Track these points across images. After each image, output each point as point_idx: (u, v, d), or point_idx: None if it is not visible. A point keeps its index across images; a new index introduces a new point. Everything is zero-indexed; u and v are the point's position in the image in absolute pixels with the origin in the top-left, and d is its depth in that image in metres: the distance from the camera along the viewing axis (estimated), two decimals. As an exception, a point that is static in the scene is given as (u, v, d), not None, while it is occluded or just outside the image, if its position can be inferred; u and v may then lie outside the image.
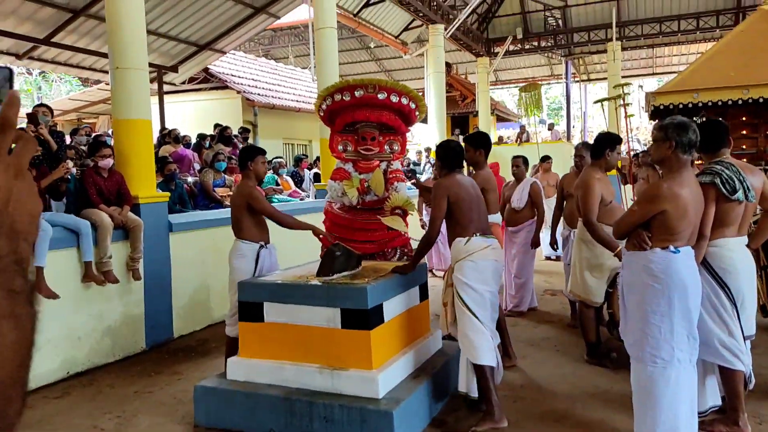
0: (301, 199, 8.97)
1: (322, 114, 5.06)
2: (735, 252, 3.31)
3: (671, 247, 2.95)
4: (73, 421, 3.96)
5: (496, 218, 4.84)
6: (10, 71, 0.95)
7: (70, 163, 5.66)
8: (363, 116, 4.81)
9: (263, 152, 4.48)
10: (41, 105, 5.44)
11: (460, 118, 20.63)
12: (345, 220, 4.89)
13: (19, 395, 0.56)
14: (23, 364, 0.57)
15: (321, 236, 4.47)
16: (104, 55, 10.47)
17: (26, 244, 0.61)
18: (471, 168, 4.88)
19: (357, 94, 4.72)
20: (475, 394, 3.64)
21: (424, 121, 16.15)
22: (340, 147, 4.93)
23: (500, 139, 20.66)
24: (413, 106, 4.91)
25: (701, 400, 3.32)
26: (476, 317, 3.56)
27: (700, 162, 6.74)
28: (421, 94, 18.07)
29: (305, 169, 10.47)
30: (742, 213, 3.33)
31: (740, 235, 3.36)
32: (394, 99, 4.77)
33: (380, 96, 4.73)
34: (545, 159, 9.73)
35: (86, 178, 5.27)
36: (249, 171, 4.35)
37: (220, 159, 7.82)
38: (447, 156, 3.90)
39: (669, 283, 2.93)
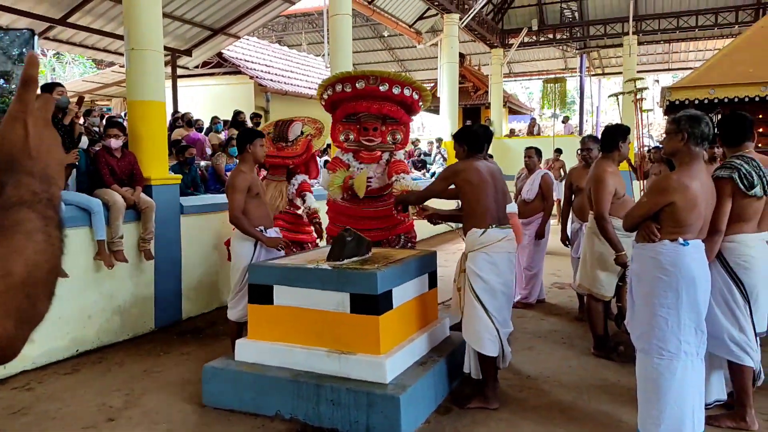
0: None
1: (323, 103, 5.03)
2: (753, 248, 3.27)
3: (680, 240, 2.93)
4: (82, 398, 4.01)
5: (512, 207, 4.77)
6: (32, 33, 0.97)
7: (84, 140, 5.70)
8: (364, 108, 4.78)
9: (262, 135, 4.44)
10: (56, 84, 5.46)
11: (472, 110, 20.50)
12: (348, 209, 4.88)
13: (47, 296, 0.68)
14: (52, 270, 0.68)
15: (279, 247, 4.40)
16: (119, 37, 10.49)
17: (56, 188, 0.72)
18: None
19: (358, 85, 4.68)
20: (478, 376, 3.74)
21: (436, 111, 16.09)
22: (341, 137, 4.90)
23: (512, 132, 20.54)
24: (416, 96, 4.87)
25: (706, 393, 3.31)
26: (484, 308, 3.57)
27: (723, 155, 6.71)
28: (433, 84, 18.03)
29: (318, 157, 10.47)
30: (762, 208, 3.29)
31: (760, 230, 3.32)
32: (396, 91, 4.73)
33: (382, 88, 4.69)
34: (559, 152, 9.67)
35: (99, 158, 5.30)
36: (247, 154, 4.31)
37: (233, 145, 7.83)
38: (465, 138, 3.79)
39: (678, 275, 2.92)
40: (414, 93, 4.82)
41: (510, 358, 3.85)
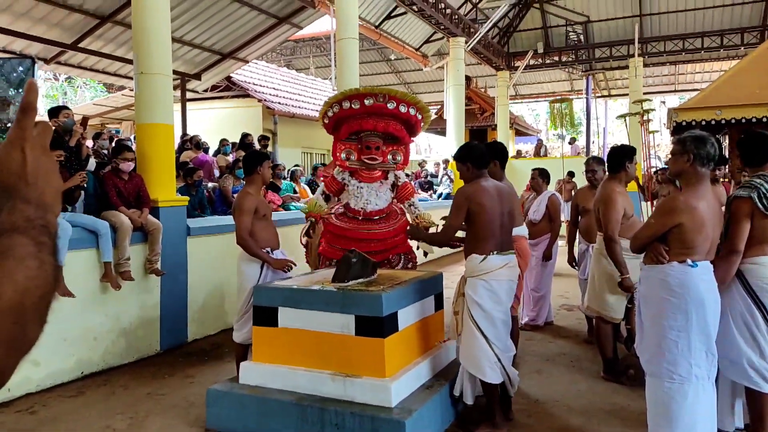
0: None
1: (327, 121, 4.95)
2: None
3: (689, 261, 2.90)
4: (86, 421, 3.98)
5: (521, 231, 4.62)
6: (33, 61, 0.99)
7: (92, 163, 5.75)
8: (370, 125, 4.76)
9: (268, 157, 4.48)
10: (63, 107, 5.53)
11: (478, 131, 20.60)
12: (346, 231, 4.82)
13: (38, 322, 0.67)
14: (44, 297, 0.67)
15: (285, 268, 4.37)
16: (129, 61, 10.64)
17: (52, 216, 0.72)
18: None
19: (367, 102, 4.68)
20: (469, 401, 3.68)
21: (443, 133, 16.15)
22: (343, 155, 4.88)
23: (518, 153, 20.57)
24: (419, 116, 4.89)
25: (727, 420, 3.22)
26: (483, 334, 3.49)
27: (745, 175, 6.65)
28: (440, 106, 18.16)
29: (321, 178, 10.50)
30: None
31: None
32: (403, 109, 4.74)
33: (390, 105, 4.69)
34: (572, 174, 9.64)
35: (107, 180, 5.34)
36: (255, 176, 4.34)
37: (240, 166, 7.87)
38: (468, 156, 3.62)
39: (686, 297, 2.88)
40: (418, 113, 4.83)
41: (518, 382, 3.77)
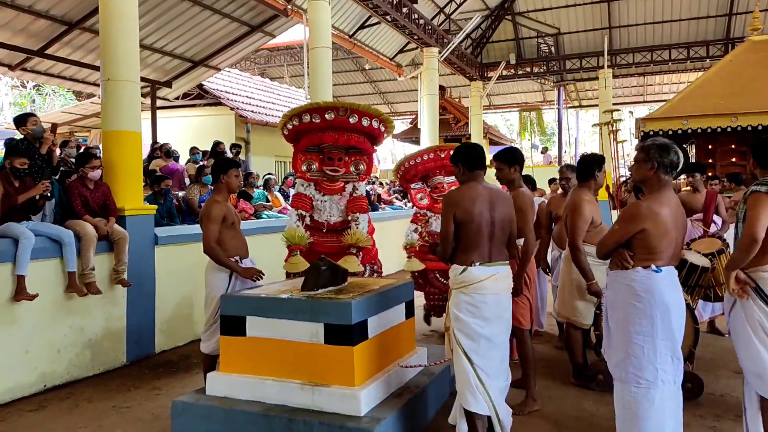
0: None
1: (286, 132, 4.88)
2: None
3: (653, 266, 2.93)
4: (47, 436, 3.86)
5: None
6: None
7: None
8: (331, 139, 4.70)
9: (237, 165, 4.37)
10: (30, 114, 5.40)
11: (453, 141, 20.74)
12: (313, 244, 4.77)
13: None
14: None
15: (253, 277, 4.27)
16: (98, 69, 10.47)
17: None
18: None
19: (328, 116, 4.61)
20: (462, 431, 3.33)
21: (417, 142, 16.21)
22: (303, 166, 4.81)
23: (492, 162, 20.75)
24: (382, 128, 4.84)
25: None
26: (465, 354, 3.19)
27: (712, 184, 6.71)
28: (414, 116, 18.32)
29: (291, 187, 10.41)
30: None
31: None
32: (366, 123, 4.68)
33: (351, 120, 4.63)
34: (552, 181, 9.74)
35: (72, 188, 5.22)
36: (221, 184, 4.24)
37: (207, 173, 7.74)
38: (460, 156, 3.40)
39: (651, 302, 2.90)
40: (381, 125, 4.80)
41: (509, 423, 3.32)
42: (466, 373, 3.18)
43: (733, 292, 3.06)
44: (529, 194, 4.17)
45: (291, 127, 4.78)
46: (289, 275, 4.79)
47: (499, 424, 3.21)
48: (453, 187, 3.82)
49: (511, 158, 4.13)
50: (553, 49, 19.38)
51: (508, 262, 3.39)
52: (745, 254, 2.99)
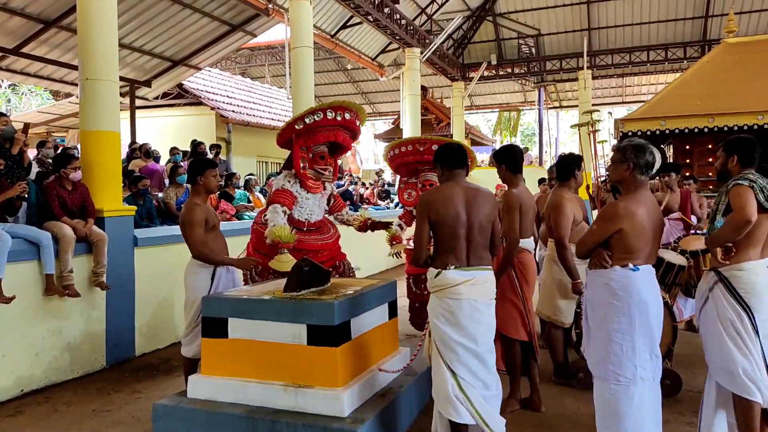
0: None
1: (300, 126, 4.74)
2: (760, 275, 3.08)
3: (630, 265, 2.97)
4: (25, 441, 3.80)
5: (527, 243, 4.13)
6: None
7: (33, 171, 5.54)
8: (341, 138, 4.78)
9: (214, 165, 4.29)
10: (0, 114, 5.30)
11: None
12: (297, 243, 4.70)
13: None
14: None
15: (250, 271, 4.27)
16: (76, 68, 10.32)
17: None
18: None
19: (347, 116, 4.71)
20: None
21: (399, 142, 16.20)
22: (301, 164, 4.80)
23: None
24: (358, 122, 4.92)
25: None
26: (444, 363, 3.09)
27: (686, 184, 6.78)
28: (396, 116, 18.40)
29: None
30: (764, 231, 3.11)
31: (763, 257, 3.11)
32: (358, 122, 4.83)
33: (355, 120, 4.78)
34: (542, 182, 9.79)
35: (49, 190, 5.14)
36: (199, 186, 4.17)
37: (180, 173, 7.63)
38: (439, 157, 3.34)
39: (629, 300, 2.94)
40: (357, 119, 4.87)
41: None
42: (445, 382, 3.06)
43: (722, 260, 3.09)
44: (524, 194, 4.04)
45: (310, 121, 4.67)
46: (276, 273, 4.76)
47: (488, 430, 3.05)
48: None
49: (498, 156, 4.11)
50: (533, 50, 19.55)
51: (489, 267, 3.24)
52: (734, 232, 2.97)
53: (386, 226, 5.09)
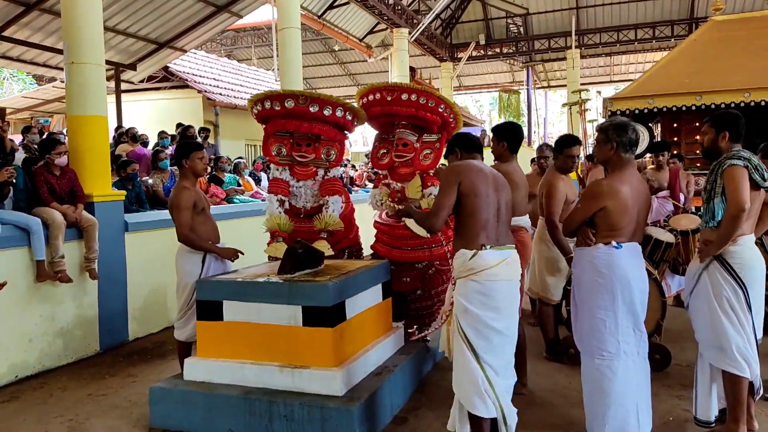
0: (263, 200, 8.84)
1: (253, 117, 4.80)
2: (751, 249, 3.14)
3: (613, 243, 3.01)
4: (21, 426, 3.81)
5: (523, 221, 4.06)
6: None
7: (20, 157, 5.48)
8: (294, 126, 4.61)
9: (199, 147, 4.25)
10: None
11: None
12: (294, 231, 4.67)
13: None
14: None
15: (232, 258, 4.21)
16: (59, 51, 10.15)
17: None
18: (495, 161, 4.12)
19: (287, 104, 4.51)
20: None
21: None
22: (273, 150, 4.73)
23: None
24: (349, 117, 4.70)
25: (709, 410, 3.25)
26: (473, 350, 2.91)
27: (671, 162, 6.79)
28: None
29: (260, 171, 10.30)
30: (757, 208, 3.18)
31: (751, 232, 3.18)
32: (327, 112, 4.54)
33: (312, 109, 4.51)
34: (534, 161, 9.81)
35: (38, 175, 5.09)
36: (185, 169, 4.13)
37: (162, 158, 7.49)
38: (458, 143, 3.36)
39: (612, 277, 2.99)
40: (347, 114, 4.67)
41: (515, 422, 3.02)
42: (473, 375, 2.89)
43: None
44: (517, 171, 4.00)
45: (255, 112, 4.70)
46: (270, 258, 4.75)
47: (505, 426, 2.95)
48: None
49: (500, 133, 4.07)
50: (521, 29, 19.48)
51: (514, 245, 3.12)
52: (734, 224, 3.02)
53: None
